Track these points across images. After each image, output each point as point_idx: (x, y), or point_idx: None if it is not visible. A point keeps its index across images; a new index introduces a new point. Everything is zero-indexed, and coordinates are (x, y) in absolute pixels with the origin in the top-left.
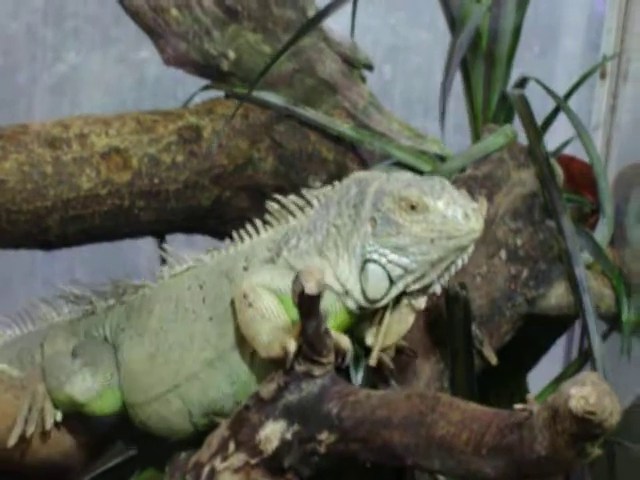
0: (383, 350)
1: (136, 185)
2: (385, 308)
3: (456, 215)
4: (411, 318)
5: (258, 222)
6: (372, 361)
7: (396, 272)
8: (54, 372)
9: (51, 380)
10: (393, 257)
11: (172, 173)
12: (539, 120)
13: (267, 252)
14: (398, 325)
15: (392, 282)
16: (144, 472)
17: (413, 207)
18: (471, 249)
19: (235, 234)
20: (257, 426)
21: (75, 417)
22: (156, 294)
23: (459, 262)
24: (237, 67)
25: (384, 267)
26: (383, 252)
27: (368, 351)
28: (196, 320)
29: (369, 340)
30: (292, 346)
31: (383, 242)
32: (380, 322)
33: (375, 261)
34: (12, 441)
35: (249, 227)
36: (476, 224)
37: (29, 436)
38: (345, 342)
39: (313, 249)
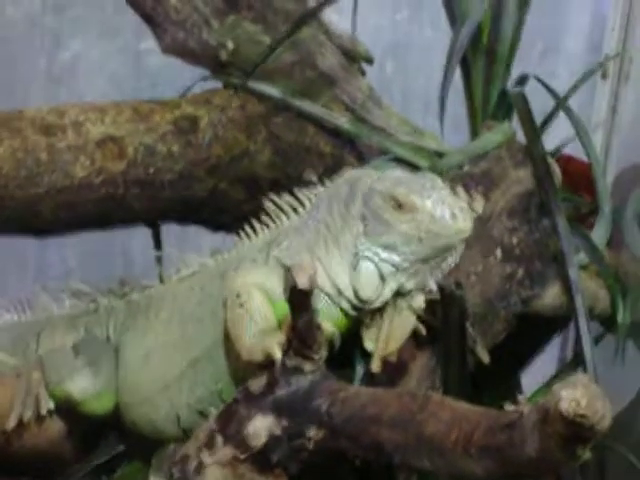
0: (385, 356)
1: (131, 174)
2: (382, 311)
3: (444, 215)
4: (412, 320)
5: (256, 223)
6: (375, 367)
7: (387, 269)
8: (55, 366)
9: (51, 374)
10: (384, 255)
11: (168, 163)
12: (539, 119)
13: (258, 254)
14: (400, 329)
15: (384, 280)
16: (129, 465)
17: (401, 206)
18: (461, 248)
19: (236, 237)
20: (245, 420)
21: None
22: (162, 295)
23: (450, 260)
24: (236, 57)
25: (376, 265)
26: (375, 250)
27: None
28: (190, 321)
29: (369, 345)
30: (277, 354)
31: (374, 240)
32: (380, 326)
33: (367, 258)
34: (12, 423)
35: (247, 228)
36: (463, 224)
37: (26, 421)
38: (328, 327)
39: (304, 248)
